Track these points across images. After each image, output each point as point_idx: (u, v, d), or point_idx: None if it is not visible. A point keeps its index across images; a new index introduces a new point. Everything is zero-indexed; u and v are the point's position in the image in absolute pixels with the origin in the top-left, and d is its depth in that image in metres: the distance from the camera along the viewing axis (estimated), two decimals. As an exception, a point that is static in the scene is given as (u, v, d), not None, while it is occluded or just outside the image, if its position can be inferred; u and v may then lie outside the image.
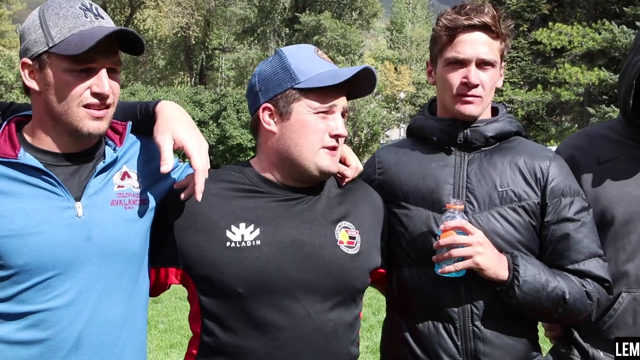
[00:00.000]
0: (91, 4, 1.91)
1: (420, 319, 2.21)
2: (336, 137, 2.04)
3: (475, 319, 2.14)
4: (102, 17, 1.90)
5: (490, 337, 2.14)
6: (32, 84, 1.87)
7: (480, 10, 2.18)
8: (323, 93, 2.01)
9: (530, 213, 2.17)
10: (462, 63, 2.19)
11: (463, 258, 2.04)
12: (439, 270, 2.08)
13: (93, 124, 1.88)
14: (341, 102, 2.05)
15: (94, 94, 1.86)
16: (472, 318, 2.14)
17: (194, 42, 42.85)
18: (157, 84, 43.28)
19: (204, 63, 45.27)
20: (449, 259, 2.05)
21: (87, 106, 1.86)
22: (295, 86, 2.01)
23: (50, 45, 1.82)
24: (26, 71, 1.87)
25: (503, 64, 2.31)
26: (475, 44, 2.18)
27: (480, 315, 2.14)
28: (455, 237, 2.04)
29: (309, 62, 2.04)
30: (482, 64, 2.18)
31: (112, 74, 1.90)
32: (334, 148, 2.05)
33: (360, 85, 2.08)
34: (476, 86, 2.18)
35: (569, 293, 2.10)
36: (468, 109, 2.20)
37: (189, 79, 45.16)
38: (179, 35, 41.38)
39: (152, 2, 40.50)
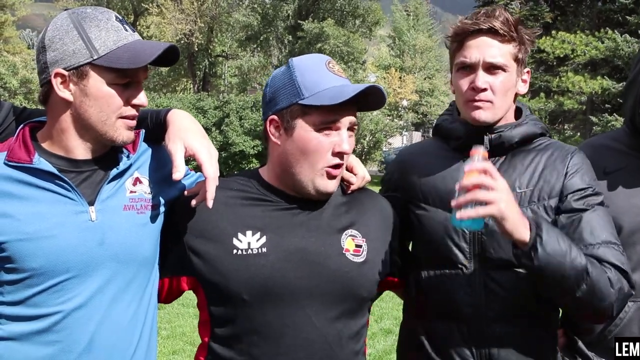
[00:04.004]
0: (122, 17, 1.96)
1: (436, 321, 2.20)
2: (340, 154, 2.02)
3: (490, 322, 2.12)
4: (135, 31, 1.96)
5: (505, 341, 2.13)
6: (65, 94, 1.88)
7: (490, 14, 2.15)
8: (327, 110, 1.96)
9: (551, 212, 2.13)
10: (471, 68, 2.16)
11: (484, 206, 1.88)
12: (458, 216, 1.87)
13: (127, 133, 1.95)
14: (347, 119, 2.00)
15: (134, 106, 1.93)
16: (487, 321, 2.13)
17: (197, 49, 42.91)
18: (160, 90, 43.35)
19: (207, 70, 45.36)
20: (471, 203, 1.87)
21: (123, 117, 1.92)
22: (300, 102, 1.98)
23: (94, 57, 1.85)
24: (59, 80, 1.88)
25: (526, 69, 2.26)
26: (482, 48, 2.14)
27: (496, 319, 2.12)
28: (482, 178, 1.86)
29: (316, 77, 2.00)
30: (490, 67, 2.14)
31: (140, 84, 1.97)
32: (337, 166, 2.03)
33: (368, 99, 2.03)
34: (484, 90, 2.13)
35: (591, 268, 1.96)
36: (477, 114, 2.15)
37: (192, 86, 45.22)
38: (182, 42, 41.41)
39: (156, 8, 40.57)
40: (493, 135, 2.19)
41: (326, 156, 2.00)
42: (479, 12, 2.18)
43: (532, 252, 1.91)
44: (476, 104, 2.15)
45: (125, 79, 1.90)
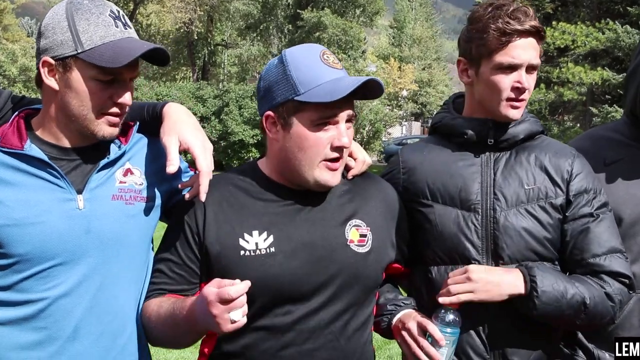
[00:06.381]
0: (119, 11, 1.94)
1: None
2: (339, 148, 1.99)
3: (503, 316, 2.13)
4: (130, 27, 1.93)
5: (518, 335, 2.15)
6: (51, 83, 1.88)
7: (527, 13, 2.14)
8: (324, 105, 1.92)
9: (559, 210, 2.17)
10: (513, 68, 2.15)
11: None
12: (441, 300, 2.09)
13: (109, 129, 1.93)
14: (344, 113, 1.97)
15: (116, 104, 1.90)
16: (500, 316, 2.13)
17: (196, 38, 42.89)
18: (160, 79, 43.30)
19: (206, 59, 45.34)
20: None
21: (105, 113, 1.90)
22: (296, 98, 1.94)
23: (79, 51, 1.84)
24: (46, 69, 1.88)
25: None
26: (528, 49, 2.14)
27: (502, 312, 2.12)
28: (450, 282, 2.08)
29: (311, 71, 1.95)
30: (530, 68, 2.16)
31: (130, 81, 1.94)
32: (336, 160, 2.00)
33: (367, 89, 1.99)
34: (526, 90, 2.16)
35: (589, 298, 2.07)
36: (514, 113, 2.18)
37: (191, 75, 45.21)
38: (181, 30, 41.39)
39: (156, -3, 40.53)
40: (498, 132, 2.22)
41: (324, 151, 1.98)
42: (509, 7, 2.14)
43: (529, 304, 2.05)
44: (516, 103, 2.18)
45: (108, 77, 1.87)
